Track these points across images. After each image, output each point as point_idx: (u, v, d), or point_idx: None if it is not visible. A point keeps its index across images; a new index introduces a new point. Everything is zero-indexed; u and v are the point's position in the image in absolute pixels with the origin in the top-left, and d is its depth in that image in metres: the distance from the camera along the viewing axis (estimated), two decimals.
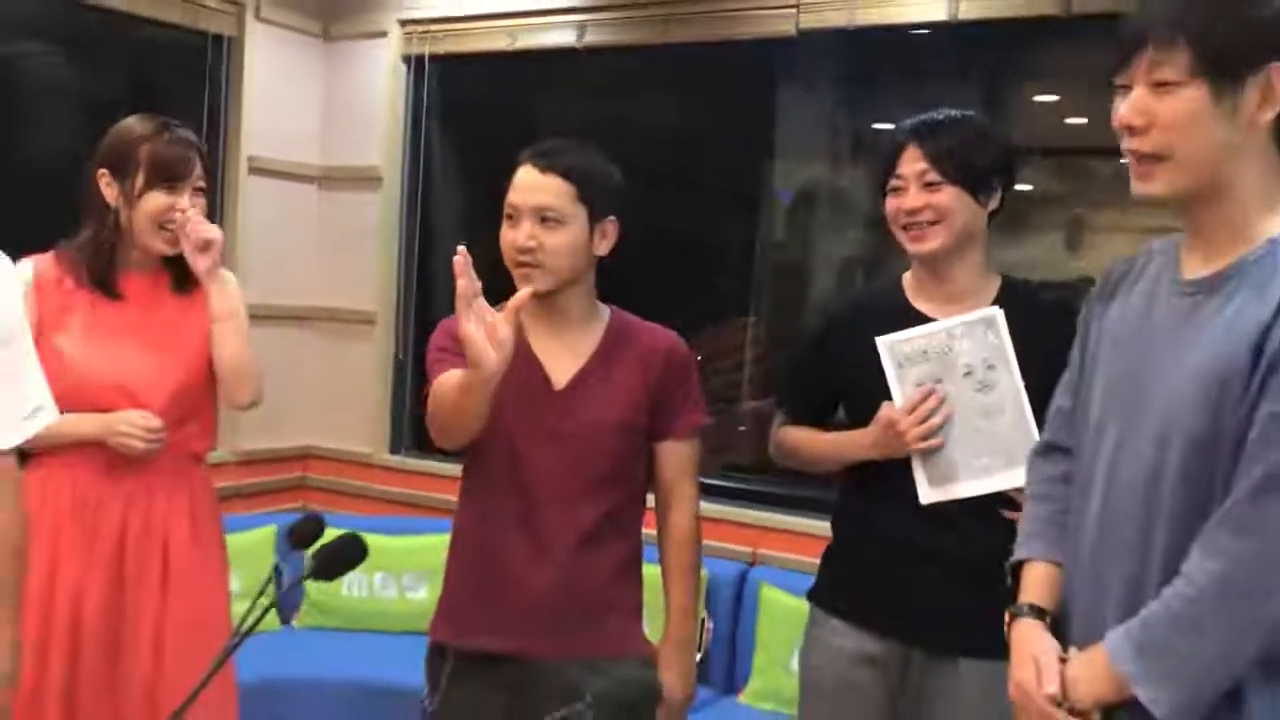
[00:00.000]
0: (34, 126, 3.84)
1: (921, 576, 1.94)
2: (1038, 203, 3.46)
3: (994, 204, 1.98)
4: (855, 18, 3.37)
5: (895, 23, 3.35)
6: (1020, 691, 1.46)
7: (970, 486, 1.92)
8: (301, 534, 1.47)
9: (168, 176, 2.16)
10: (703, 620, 3.37)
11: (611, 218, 1.93)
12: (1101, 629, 1.41)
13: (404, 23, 4.18)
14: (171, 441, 2.15)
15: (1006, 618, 1.58)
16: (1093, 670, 1.39)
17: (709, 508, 3.55)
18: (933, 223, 1.93)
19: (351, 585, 3.73)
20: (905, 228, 1.97)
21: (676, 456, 2.00)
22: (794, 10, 3.46)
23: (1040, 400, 1.87)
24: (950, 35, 3.32)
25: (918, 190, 1.94)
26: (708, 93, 3.97)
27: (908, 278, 2.07)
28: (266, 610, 1.29)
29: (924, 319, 1.98)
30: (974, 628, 1.86)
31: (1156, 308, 1.45)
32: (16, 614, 1.67)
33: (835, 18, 3.40)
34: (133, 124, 2.22)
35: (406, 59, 4.20)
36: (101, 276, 2.19)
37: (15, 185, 3.67)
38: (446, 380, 1.83)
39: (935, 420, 1.91)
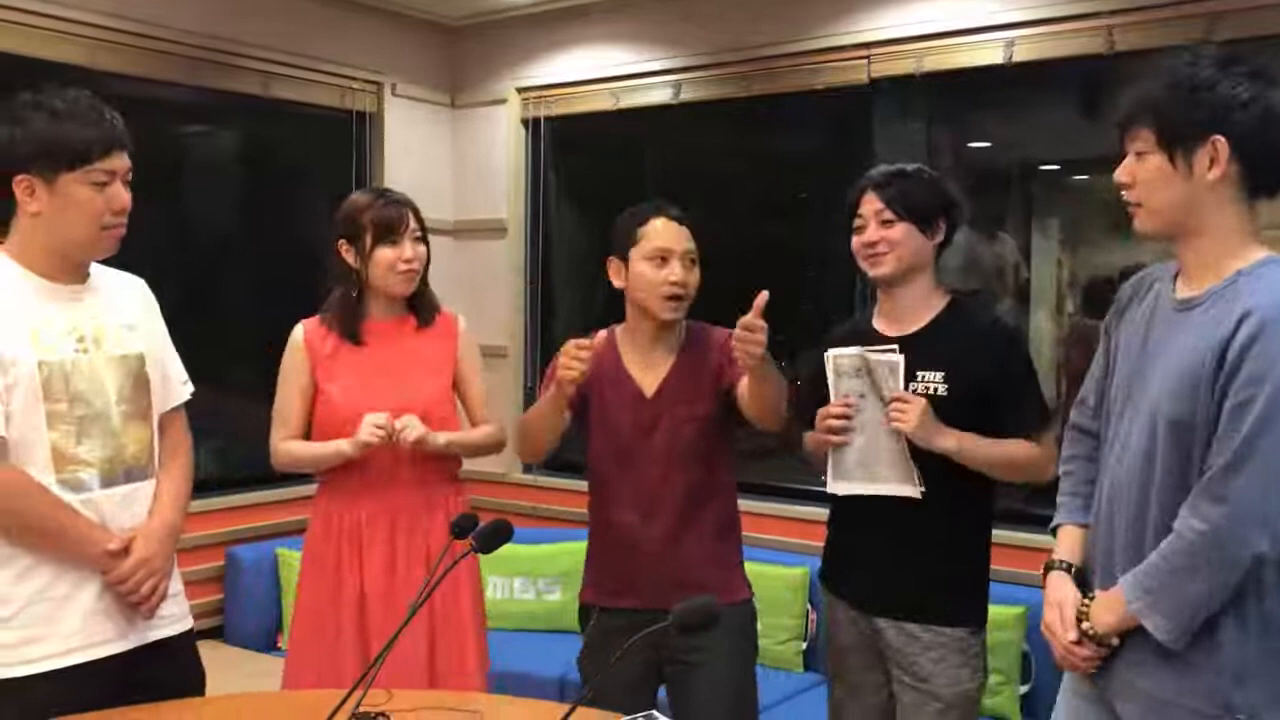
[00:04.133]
0: (214, 192, 4.46)
1: (871, 554, 2.32)
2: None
3: (939, 237, 2.34)
4: (922, 65, 3.69)
5: (958, 67, 3.63)
6: (1048, 629, 1.86)
7: (859, 487, 2.27)
8: (461, 526, 1.91)
9: (389, 233, 2.52)
10: (807, 611, 3.73)
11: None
12: (1113, 571, 1.80)
13: (521, 90, 4.67)
14: (426, 466, 2.56)
15: (1042, 569, 1.93)
16: (1111, 607, 1.77)
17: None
18: (886, 253, 2.30)
19: (496, 588, 4.14)
20: (865, 257, 2.34)
21: None
22: (865, 61, 3.79)
23: (963, 399, 2.23)
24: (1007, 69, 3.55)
25: (875, 227, 2.31)
26: (804, 123, 4.25)
27: (877, 304, 2.43)
28: (439, 579, 1.73)
29: (880, 337, 2.33)
30: (914, 596, 2.27)
31: (1156, 321, 1.82)
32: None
33: (904, 65, 3.73)
34: (356, 198, 2.58)
35: (524, 121, 4.70)
36: (352, 326, 2.55)
37: (201, 239, 4.29)
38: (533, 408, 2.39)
39: (835, 425, 2.26)
